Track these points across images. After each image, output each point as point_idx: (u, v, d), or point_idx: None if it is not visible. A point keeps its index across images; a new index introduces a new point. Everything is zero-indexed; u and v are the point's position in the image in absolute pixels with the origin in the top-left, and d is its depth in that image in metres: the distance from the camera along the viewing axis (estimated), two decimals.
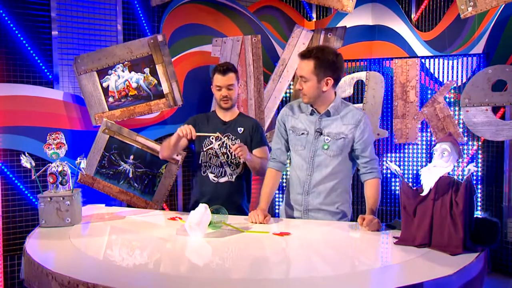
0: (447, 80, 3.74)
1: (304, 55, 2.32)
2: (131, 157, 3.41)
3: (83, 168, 2.35)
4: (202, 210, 2.09)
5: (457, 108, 3.69)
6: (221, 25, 4.10)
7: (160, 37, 3.38)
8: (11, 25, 3.17)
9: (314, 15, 4.82)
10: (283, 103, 3.90)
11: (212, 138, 2.74)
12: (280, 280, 1.64)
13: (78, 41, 3.44)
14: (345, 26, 3.75)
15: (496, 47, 3.70)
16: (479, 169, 3.79)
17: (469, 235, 1.86)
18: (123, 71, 3.37)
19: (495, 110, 3.49)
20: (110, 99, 3.38)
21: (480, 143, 3.75)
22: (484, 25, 3.85)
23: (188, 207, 2.84)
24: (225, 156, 2.73)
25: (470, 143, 3.75)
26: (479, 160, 3.77)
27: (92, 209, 2.71)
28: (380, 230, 2.18)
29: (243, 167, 2.75)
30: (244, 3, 4.25)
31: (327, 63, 2.28)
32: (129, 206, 3.38)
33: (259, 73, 3.72)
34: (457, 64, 3.74)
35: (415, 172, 3.89)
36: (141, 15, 3.70)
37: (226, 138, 2.69)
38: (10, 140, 3.15)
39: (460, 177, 3.54)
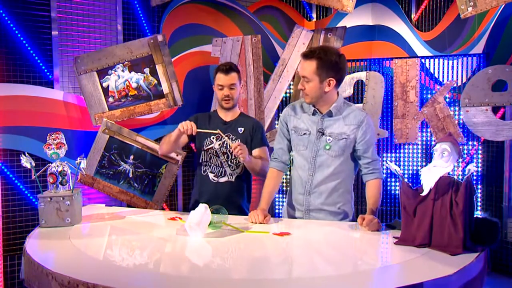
0: (447, 80, 3.74)
1: (306, 55, 2.32)
2: (131, 157, 3.41)
3: (83, 168, 2.35)
4: (202, 210, 2.08)
5: (457, 108, 3.69)
6: (221, 25, 4.10)
7: (160, 37, 3.38)
8: (11, 25, 3.17)
9: (314, 15, 4.82)
10: (283, 103, 3.91)
11: (213, 138, 2.74)
12: (280, 280, 1.64)
13: (78, 41, 3.44)
14: (345, 26, 3.75)
15: (496, 47, 3.70)
16: (479, 169, 3.79)
17: (469, 235, 1.86)
18: (123, 71, 3.37)
19: (495, 110, 3.49)
20: (110, 99, 3.38)
21: (480, 143, 3.75)
22: (484, 25, 3.84)
23: (188, 207, 2.84)
24: (225, 156, 2.73)
25: (470, 143, 3.75)
26: (479, 160, 3.77)
27: (92, 209, 2.71)
28: (380, 230, 2.18)
29: (243, 167, 2.74)
30: (244, 3, 4.25)
31: (330, 64, 2.28)
32: (129, 206, 3.38)
33: (259, 73, 3.72)
34: (457, 64, 3.74)
35: (414, 171, 3.89)
36: (141, 15, 3.70)
37: (226, 137, 2.69)
38: (10, 140, 3.15)
39: (460, 177, 3.54)
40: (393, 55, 4.18)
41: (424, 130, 3.83)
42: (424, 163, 3.85)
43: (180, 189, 3.94)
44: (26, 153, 2.35)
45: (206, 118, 2.81)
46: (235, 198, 2.75)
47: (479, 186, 3.80)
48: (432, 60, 3.81)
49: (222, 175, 2.74)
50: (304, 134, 2.42)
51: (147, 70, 3.40)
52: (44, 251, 1.98)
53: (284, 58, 3.82)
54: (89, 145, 3.34)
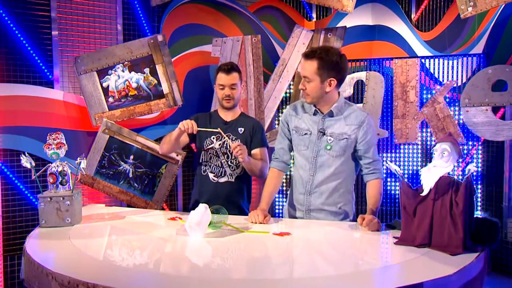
0: (447, 80, 3.74)
1: (307, 55, 2.32)
2: (131, 157, 3.41)
3: (83, 168, 2.35)
4: (202, 210, 2.08)
5: (457, 108, 3.69)
6: (221, 25, 4.10)
7: (160, 37, 3.38)
8: (11, 25, 3.17)
9: (314, 15, 4.82)
10: (283, 103, 3.91)
11: (213, 138, 2.74)
12: (280, 280, 1.64)
13: (78, 41, 3.44)
14: (345, 26, 3.75)
15: (496, 47, 3.70)
16: (479, 169, 3.79)
17: (469, 235, 1.86)
18: (123, 71, 3.37)
19: (495, 110, 3.49)
20: (110, 99, 3.38)
21: (480, 143, 3.75)
22: (484, 25, 3.84)
23: (188, 207, 2.84)
24: (225, 156, 2.73)
25: (470, 143, 3.75)
26: (479, 160, 3.77)
27: (92, 209, 2.71)
28: (380, 230, 2.18)
29: (243, 168, 2.74)
30: (244, 3, 4.25)
31: (331, 64, 2.28)
32: (129, 206, 3.38)
33: (259, 73, 3.72)
34: (457, 64, 3.74)
35: (414, 171, 3.89)
36: (141, 15, 3.70)
37: (227, 137, 2.68)
38: (10, 140, 3.15)
39: (460, 177, 3.54)
40: (393, 55, 4.18)
41: (424, 130, 3.83)
42: (424, 163, 3.85)
43: (180, 189, 3.94)
44: (26, 153, 2.35)
45: (207, 117, 2.81)
46: (235, 198, 2.75)
47: (479, 186, 3.80)
48: (432, 60, 3.81)
49: (222, 175, 2.74)
50: (305, 134, 2.42)
51: (147, 70, 3.40)
52: (44, 251, 1.98)
53: (284, 58, 3.82)
54: (89, 145, 3.34)
